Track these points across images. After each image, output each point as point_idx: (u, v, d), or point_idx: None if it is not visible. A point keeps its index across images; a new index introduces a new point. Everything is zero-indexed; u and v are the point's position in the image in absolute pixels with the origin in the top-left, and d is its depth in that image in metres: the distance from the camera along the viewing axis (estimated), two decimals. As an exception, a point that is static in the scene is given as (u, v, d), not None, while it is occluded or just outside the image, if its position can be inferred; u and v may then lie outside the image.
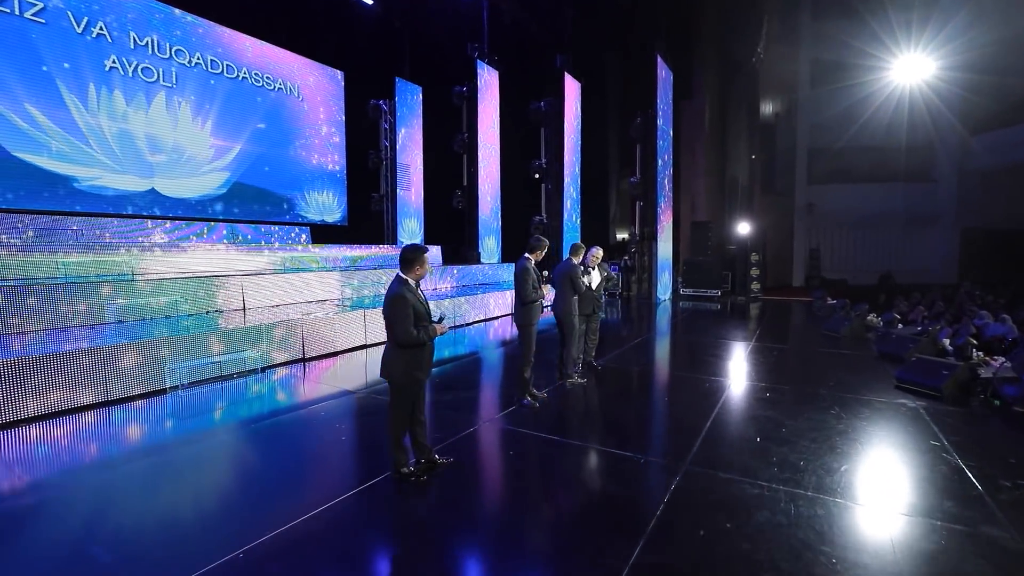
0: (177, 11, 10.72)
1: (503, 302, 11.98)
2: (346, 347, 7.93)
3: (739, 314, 12.47)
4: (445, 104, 14.87)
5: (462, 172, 14.95)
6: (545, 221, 15.06)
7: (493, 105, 14.64)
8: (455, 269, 13.20)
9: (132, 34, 10.05)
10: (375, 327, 8.38)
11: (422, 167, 15.37)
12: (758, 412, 5.09)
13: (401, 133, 14.76)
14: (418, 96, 15.22)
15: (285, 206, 12.89)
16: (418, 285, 3.48)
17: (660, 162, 14.03)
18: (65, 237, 9.01)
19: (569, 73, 14.30)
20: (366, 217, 14.97)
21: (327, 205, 13.83)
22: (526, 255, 5.35)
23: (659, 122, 13.88)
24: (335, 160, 13.87)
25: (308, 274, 9.92)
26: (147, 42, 10.27)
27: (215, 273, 9.01)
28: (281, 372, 6.66)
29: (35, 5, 8.83)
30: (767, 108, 18.40)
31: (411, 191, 15.13)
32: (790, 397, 5.53)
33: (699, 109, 16.80)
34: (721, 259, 16.19)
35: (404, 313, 3.32)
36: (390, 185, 14.99)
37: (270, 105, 12.39)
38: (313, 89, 13.33)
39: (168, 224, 10.76)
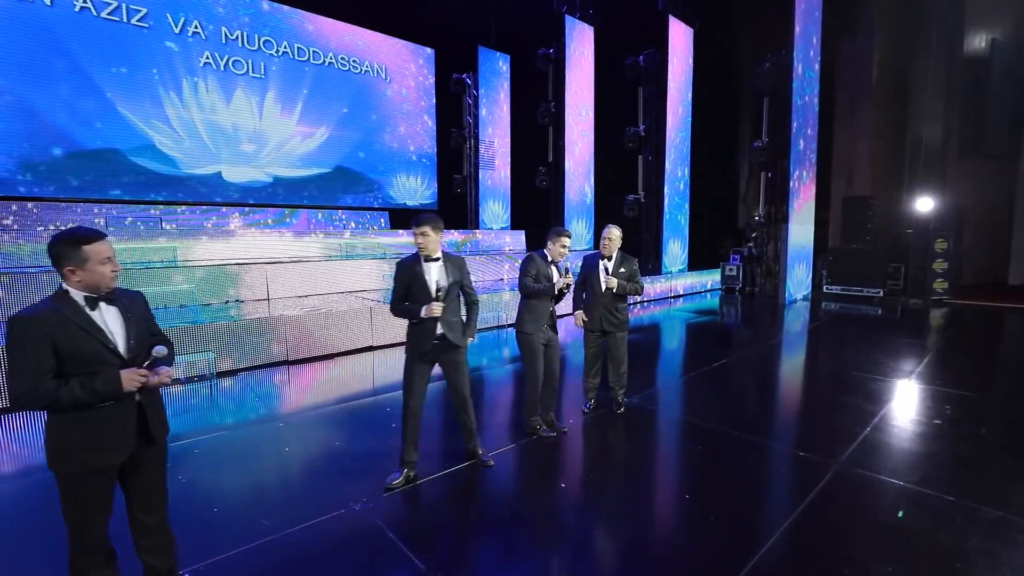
0: (265, 5, 10.56)
1: None
2: (341, 350, 6.61)
3: (909, 325, 8.68)
4: (534, 72, 12.90)
5: (547, 147, 12.89)
6: (643, 200, 12.34)
7: (584, 67, 12.27)
8: (584, 255, 11.37)
9: (223, 29, 10.08)
10: (384, 326, 6.98)
11: (509, 144, 13.64)
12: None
13: (484, 107, 13.19)
14: (504, 65, 13.47)
15: (373, 190, 12.28)
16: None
17: (796, 122, 10.41)
18: (126, 226, 9.16)
19: (675, 16, 11.27)
20: (455, 200, 13.79)
21: (415, 188, 12.95)
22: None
23: (797, 67, 10.26)
24: (424, 141, 12.94)
25: (359, 261, 8.91)
26: (236, 36, 10.27)
27: (252, 261, 8.36)
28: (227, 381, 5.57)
29: (139, 11, 9.00)
30: (977, 40, 12.98)
31: (496, 170, 13.53)
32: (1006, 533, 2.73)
33: (865, 49, 12.37)
34: (889, 247, 11.86)
35: None
36: (472, 165, 13.56)
37: (357, 88, 11.82)
38: (401, 69, 12.46)
39: (250, 211, 10.67)
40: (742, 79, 13.46)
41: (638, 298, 10.87)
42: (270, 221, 10.89)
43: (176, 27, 9.63)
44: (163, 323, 5.62)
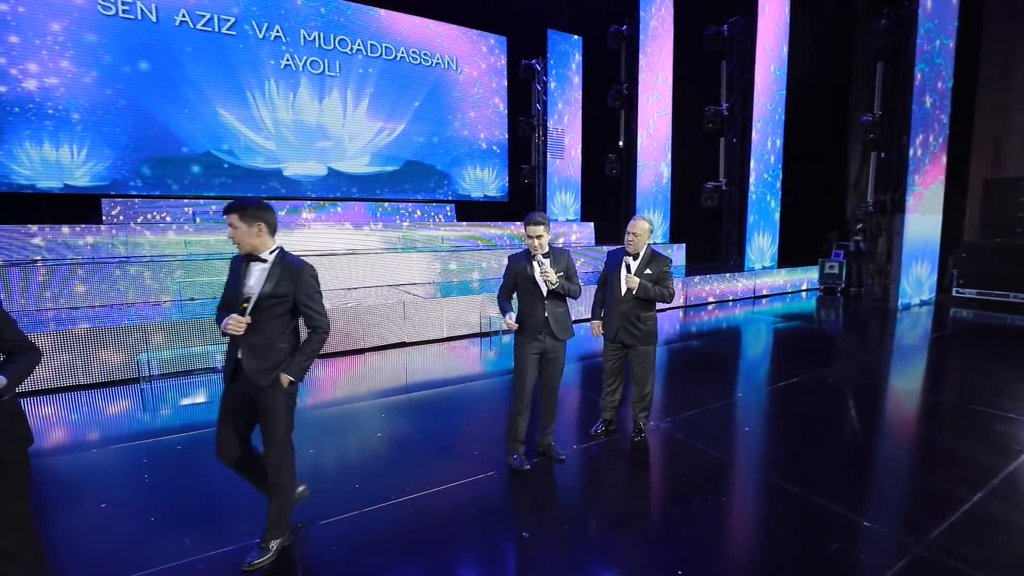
0: (341, 4, 10.76)
1: None
2: (361, 347, 6.40)
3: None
4: (606, 53, 11.93)
5: (618, 132, 11.88)
6: (724, 187, 10.93)
7: (660, 42, 11.06)
8: (608, 251, 10.56)
9: (301, 31, 10.44)
10: (419, 322, 6.67)
11: (580, 131, 12.80)
12: None
13: (554, 94, 12.47)
14: (576, 48, 12.61)
15: (443, 183, 12.15)
16: None
17: (920, 88, 8.50)
18: (187, 218, 9.78)
19: (767, -26, 9.72)
20: (523, 191, 13.30)
21: (485, 180, 12.67)
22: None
23: (923, 18, 8.35)
24: (496, 132, 12.58)
25: (414, 255, 8.77)
26: (314, 37, 10.60)
27: (306, 253, 8.51)
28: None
29: (228, 20, 9.56)
30: None
31: (566, 159, 12.78)
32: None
33: (1023, -5, 9.85)
34: (1049, 242, 9.42)
35: None
36: (541, 154, 12.93)
37: (429, 82, 11.74)
38: (472, 59, 12.20)
39: (325, 205, 11.00)
40: (851, 43, 11.38)
41: (673, 303, 9.64)
42: (339, 210, 11.14)
43: (260, 32, 10.07)
44: (204, 312, 5.78)
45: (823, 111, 11.86)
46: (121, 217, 9.08)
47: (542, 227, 3.06)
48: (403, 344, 6.54)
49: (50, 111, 8.45)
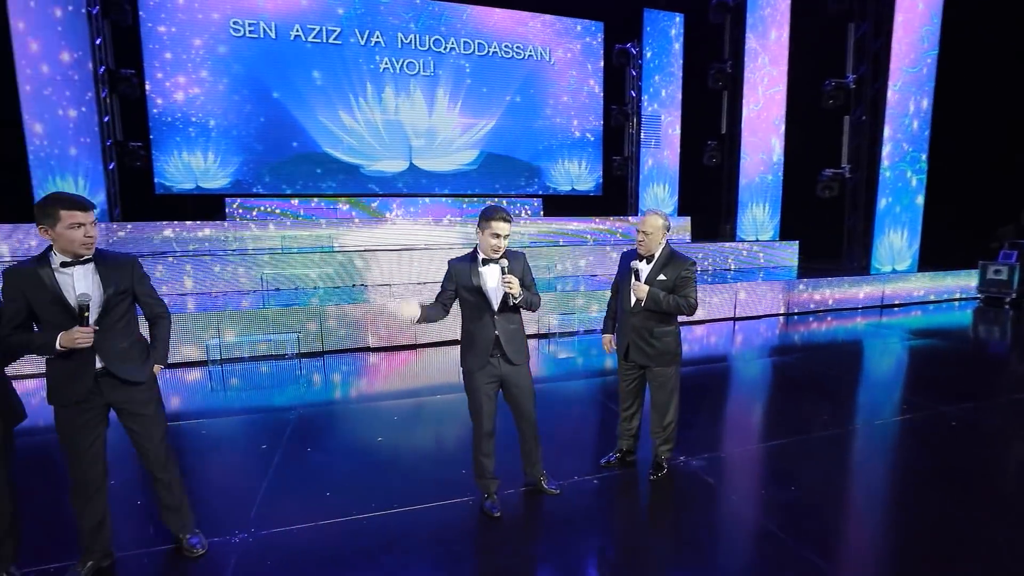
0: (435, 6, 11.01)
1: (756, 296, 7.83)
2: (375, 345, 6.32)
3: None
4: (708, 30, 10.68)
5: (720, 117, 10.56)
6: (847, 174, 9.13)
7: (773, 10, 9.57)
8: (699, 249, 9.60)
9: (399, 35, 10.88)
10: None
11: (680, 117, 11.66)
12: None
13: (650, 78, 11.50)
14: (675, 25, 11.47)
15: (532, 178, 11.93)
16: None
17: None
18: (294, 214, 10.57)
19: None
20: (615, 183, 12.54)
21: (577, 173, 12.26)
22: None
23: None
24: (589, 123, 12.05)
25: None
26: (410, 39, 11.00)
27: (378, 248, 8.79)
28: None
29: (335, 31, 10.35)
30: None
31: (662, 148, 11.74)
32: None
33: None
34: None
35: None
36: (634, 144, 12.03)
37: (521, 75, 11.56)
38: (566, 49, 11.80)
39: (420, 201, 11.37)
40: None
41: (776, 309, 8.14)
42: (427, 201, 11.40)
43: (362, 39, 10.64)
44: (272, 303, 6.16)
45: (987, 76, 9.38)
46: (240, 211, 10.17)
47: (509, 225, 2.53)
48: (457, 343, 6.38)
49: (193, 119, 9.69)
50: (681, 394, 3.10)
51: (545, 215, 11.85)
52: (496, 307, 2.61)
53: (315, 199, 10.57)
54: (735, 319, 7.67)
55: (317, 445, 3.62)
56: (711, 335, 6.97)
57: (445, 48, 11.09)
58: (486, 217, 2.53)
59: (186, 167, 9.79)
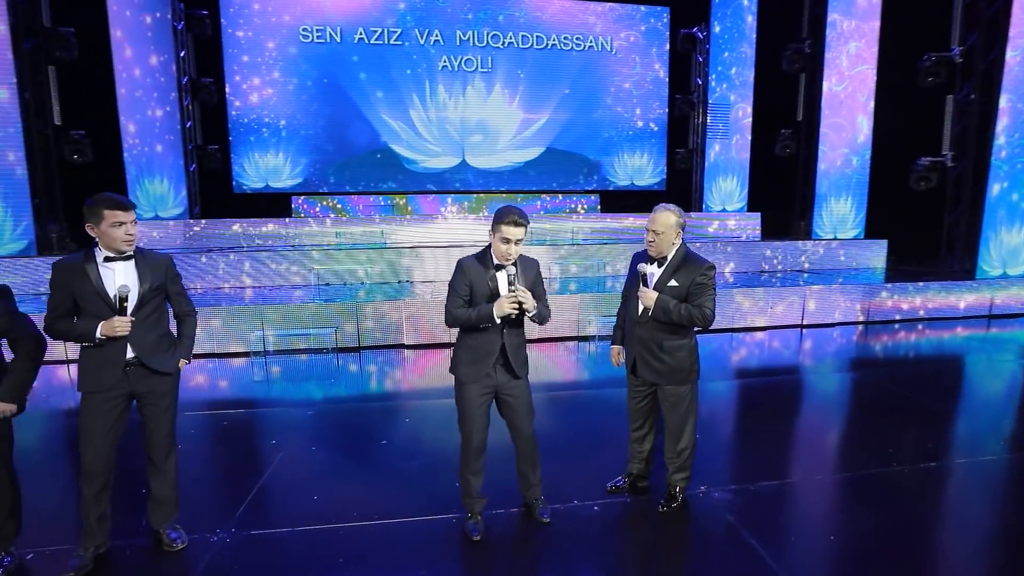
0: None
1: (829, 301, 7.01)
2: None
3: None
4: (784, 6, 9.67)
5: (797, 102, 9.52)
6: (949, 163, 7.85)
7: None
8: (768, 248, 8.79)
9: (457, 32, 10.89)
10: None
11: (751, 105, 10.68)
12: None
13: (718, 63, 10.64)
14: (749, 4, 10.49)
15: (591, 173, 11.50)
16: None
17: None
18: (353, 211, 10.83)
19: None
20: (680, 177, 11.79)
21: (639, 167, 11.72)
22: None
23: None
24: (653, 114, 11.45)
25: (534, 248, 8.46)
26: (468, 36, 10.98)
27: (438, 244, 8.79)
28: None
29: (396, 31, 10.60)
30: None
31: (730, 139, 10.84)
32: None
33: None
34: None
35: None
36: (699, 135, 11.21)
37: (581, 66, 11.15)
38: (628, 37, 11.28)
39: (475, 198, 11.36)
40: None
41: (852, 317, 7.09)
42: (481, 196, 11.32)
43: (421, 38, 10.75)
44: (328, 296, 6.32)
45: None
46: (304, 208, 10.64)
47: (524, 229, 2.26)
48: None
49: (267, 119, 10.24)
50: (699, 416, 2.71)
51: (603, 211, 11.39)
52: (499, 315, 2.31)
53: (371, 196, 10.83)
54: (802, 326, 6.86)
55: (323, 444, 3.58)
56: (773, 344, 6.26)
57: (503, 43, 10.94)
58: (497, 219, 2.27)
59: (259, 167, 10.37)
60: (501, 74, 10.85)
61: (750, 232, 9.91)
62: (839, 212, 9.25)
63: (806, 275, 8.23)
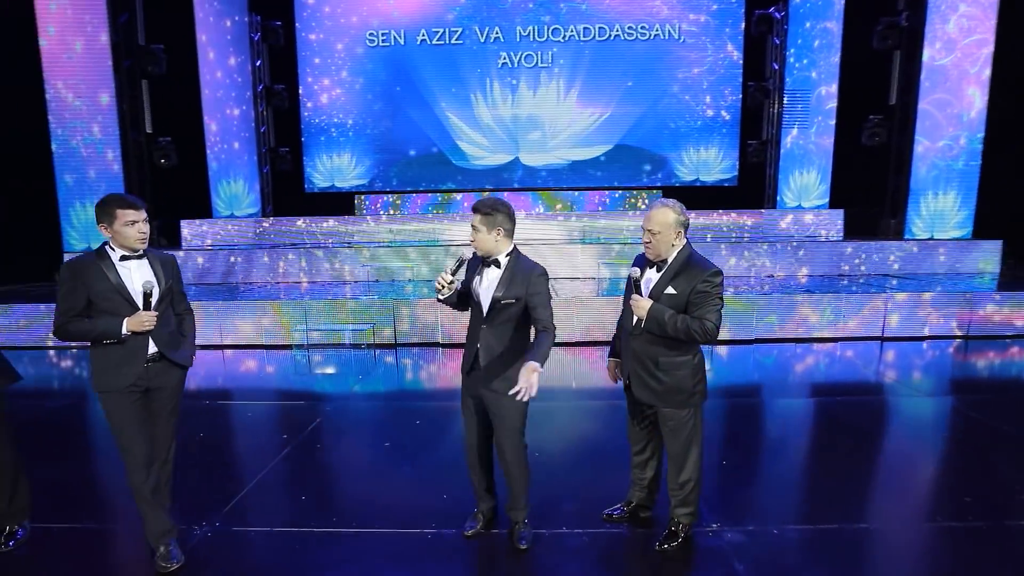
0: None
1: (919, 310, 6.10)
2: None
3: None
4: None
5: (890, 83, 8.34)
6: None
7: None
8: (849, 246, 7.87)
9: (517, 28, 10.80)
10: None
11: (836, 90, 9.55)
12: None
13: (798, 44, 9.63)
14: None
15: (656, 168, 10.91)
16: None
17: None
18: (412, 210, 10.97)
19: None
20: (752, 171, 10.85)
21: (706, 161, 10.98)
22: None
23: None
24: (724, 102, 10.62)
25: (583, 247, 8.15)
26: (529, 31, 10.88)
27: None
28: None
29: (456, 31, 10.75)
30: None
31: (810, 128, 9.78)
32: None
33: None
34: None
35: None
36: (775, 124, 10.22)
37: (645, 57, 10.57)
38: (698, 20, 10.53)
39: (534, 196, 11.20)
40: None
41: (949, 330, 5.94)
42: (541, 190, 11.09)
43: (482, 36, 10.74)
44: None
45: None
46: (367, 206, 11.00)
47: (479, 217, 2.12)
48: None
49: (335, 119, 10.71)
50: (703, 445, 2.33)
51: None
52: (485, 312, 2.20)
53: (430, 194, 10.96)
54: (883, 339, 5.98)
55: (329, 442, 3.57)
56: (845, 356, 5.51)
57: (563, 36, 10.62)
58: (473, 208, 2.17)
59: (327, 167, 10.87)
60: (561, 69, 10.54)
61: (830, 231, 8.87)
62: (939, 207, 8.01)
63: (895, 281, 7.20)
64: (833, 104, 9.44)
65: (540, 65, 10.78)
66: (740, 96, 10.48)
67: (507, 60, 10.77)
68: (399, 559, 2.31)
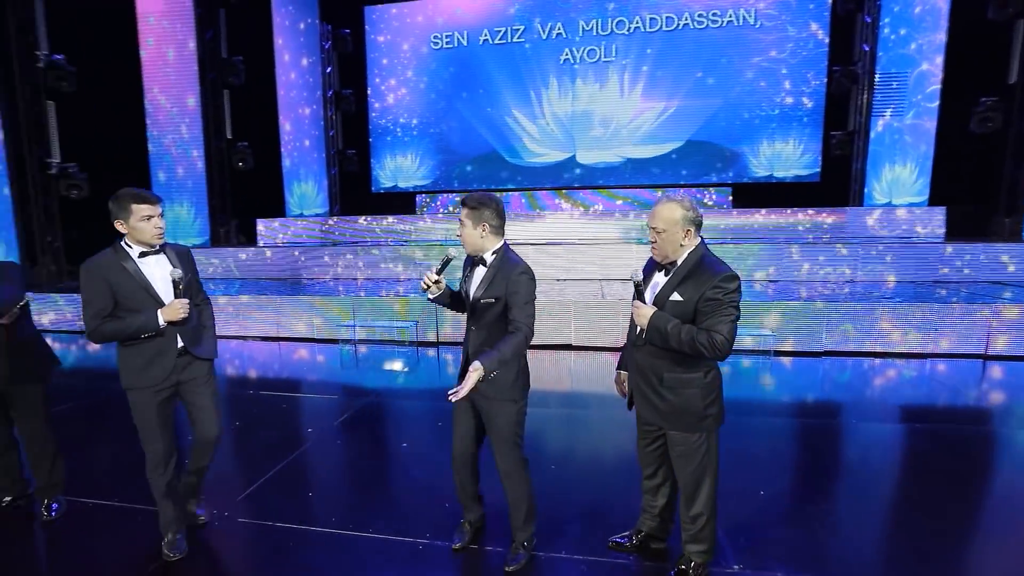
0: None
1: None
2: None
3: None
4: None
5: (1007, 59, 7.14)
6: None
7: None
8: (949, 247, 6.92)
9: (580, 23, 10.61)
10: (593, 326, 5.72)
11: (941, 70, 8.36)
12: None
13: (891, 20, 8.56)
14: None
15: (727, 164, 10.18)
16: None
17: None
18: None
19: None
20: (837, 165, 9.82)
21: (783, 155, 10.14)
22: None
23: None
24: (805, 92, 9.68)
25: (635, 246, 7.82)
26: (592, 25, 10.65)
27: (534, 242, 8.57)
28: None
29: (519, 29, 10.78)
30: None
31: (906, 115, 8.65)
32: None
33: None
34: None
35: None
36: (863, 113, 9.16)
37: (716, 45, 9.90)
38: (776, 4, 9.70)
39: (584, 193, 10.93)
40: None
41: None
42: (597, 192, 10.74)
43: (543, 33, 10.62)
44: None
45: None
46: (428, 205, 11.20)
47: (467, 210, 2.03)
48: (567, 347, 5.74)
49: (401, 120, 11.01)
50: (718, 476, 2.01)
51: (736, 207, 9.95)
52: (470, 315, 2.11)
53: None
54: (985, 357, 5.11)
55: (350, 439, 3.58)
56: (936, 375, 4.76)
57: (628, 28, 10.22)
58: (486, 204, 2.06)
59: (392, 168, 11.21)
60: (625, 62, 10.13)
61: (929, 231, 7.78)
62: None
63: (1008, 292, 6.14)
64: (936, 86, 8.27)
65: (603, 59, 10.46)
66: (824, 81, 9.48)
67: (569, 56, 10.55)
68: (381, 568, 2.21)
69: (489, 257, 2.05)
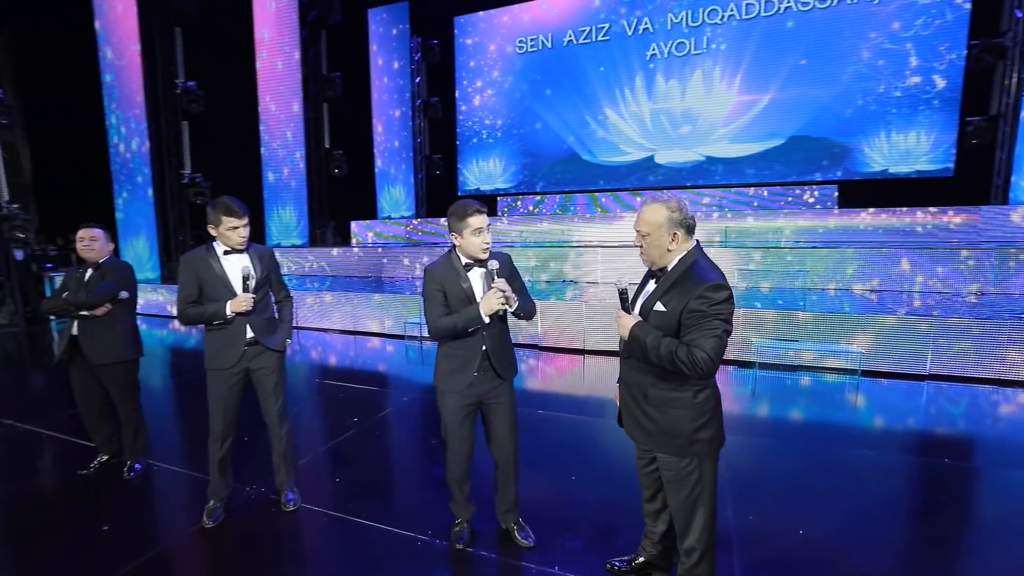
0: None
1: None
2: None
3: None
4: None
5: None
6: None
7: None
8: None
9: (668, 16, 10.26)
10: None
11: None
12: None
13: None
14: None
15: (835, 159, 9.14)
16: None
17: None
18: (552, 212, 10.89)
19: None
20: (972, 159, 8.36)
21: (910, 149, 8.78)
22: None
23: None
24: (937, 69, 8.30)
25: (730, 251, 7.33)
26: (681, 18, 10.23)
27: (589, 244, 8.36)
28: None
29: (604, 27, 10.72)
30: None
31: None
32: None
33: None
34: None
35: None
36: (1012, 95, 7.69)
37: (824, 27, 8.90)
38: None
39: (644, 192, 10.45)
40: None
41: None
42: (693, 188, 10.13)
43: (629, 29, 10.34)
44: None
45: None
46: (508, 207, 11.36)
47: (486, 216, 2.12)
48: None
49: (487, 121, 11.30)
50: (715, 507, 1.80)
51: (843, 207, 8.76)
52: (482, 319, 2.13)
53: (569, 195, 10.75)
54: None
55: (386, 432, 3.73)
56: (999, 405, 3.87)
57: (721, 17, 9.53)
58: (460, 215, 2.09)
59: (476, 170, 11.53)
60: (719, 54, 9.51)
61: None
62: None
63: None
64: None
65: (693, 53, 9.86)
66: (962, 55, 7.98)
67: (656, 51, 10.10)
68: (377, 561, 2.28)
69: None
